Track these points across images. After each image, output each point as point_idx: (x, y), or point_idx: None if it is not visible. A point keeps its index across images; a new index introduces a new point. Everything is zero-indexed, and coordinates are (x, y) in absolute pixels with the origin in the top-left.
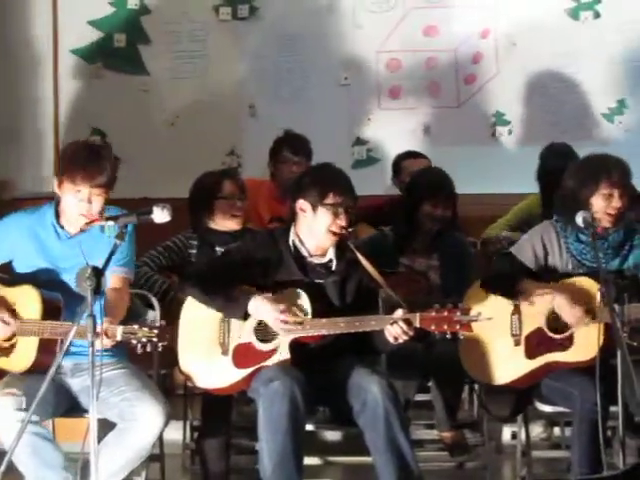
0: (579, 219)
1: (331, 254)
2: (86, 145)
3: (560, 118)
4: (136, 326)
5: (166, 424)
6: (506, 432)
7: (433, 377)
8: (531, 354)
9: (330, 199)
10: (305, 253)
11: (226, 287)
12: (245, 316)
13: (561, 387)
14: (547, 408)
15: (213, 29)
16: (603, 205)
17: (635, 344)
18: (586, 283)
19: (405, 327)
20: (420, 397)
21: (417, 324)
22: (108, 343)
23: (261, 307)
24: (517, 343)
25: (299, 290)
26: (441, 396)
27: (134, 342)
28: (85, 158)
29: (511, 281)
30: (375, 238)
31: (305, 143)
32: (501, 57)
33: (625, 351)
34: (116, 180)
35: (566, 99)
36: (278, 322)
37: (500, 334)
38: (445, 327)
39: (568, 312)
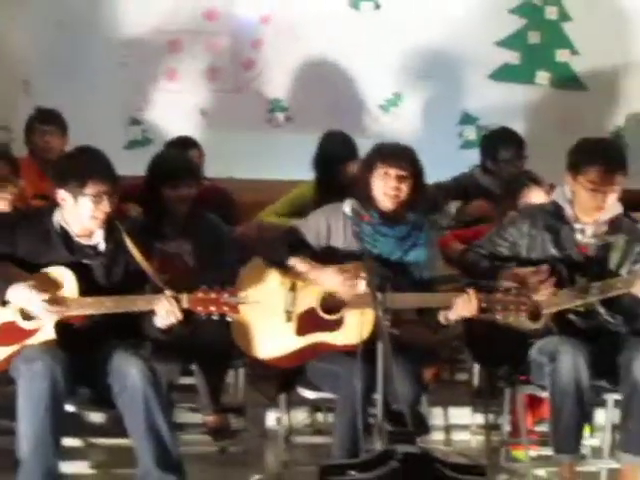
0: (347, 207)
1: (99, 235)
2: None
3: (338, 107)
4: None
5: None
6: (270, 417)
7: (197, 360)
8: (301, 332)
9: (89, 188)
10: (72, 233)
11: None
12: (4, 302)
13: (328, 368)
14: (310, 394)
15: None
16: (381, 185)
17: (397, 332)
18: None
19: (173, 306)
20: (185, 380)
21: (185, 305)
22: None
23: (21, 294)
24: (289, 319)
25: (64, 269)
26: (205, 380)
27: None
28: None
29: (285, 256)
30: (131, 222)
31: (56, 115)
32: (281, 44)
33: (385, 338)
34: None
35: (344, 88)
36: (41, 306)
37: (274, 310)
38: (212, 308)
39: (337, 285)
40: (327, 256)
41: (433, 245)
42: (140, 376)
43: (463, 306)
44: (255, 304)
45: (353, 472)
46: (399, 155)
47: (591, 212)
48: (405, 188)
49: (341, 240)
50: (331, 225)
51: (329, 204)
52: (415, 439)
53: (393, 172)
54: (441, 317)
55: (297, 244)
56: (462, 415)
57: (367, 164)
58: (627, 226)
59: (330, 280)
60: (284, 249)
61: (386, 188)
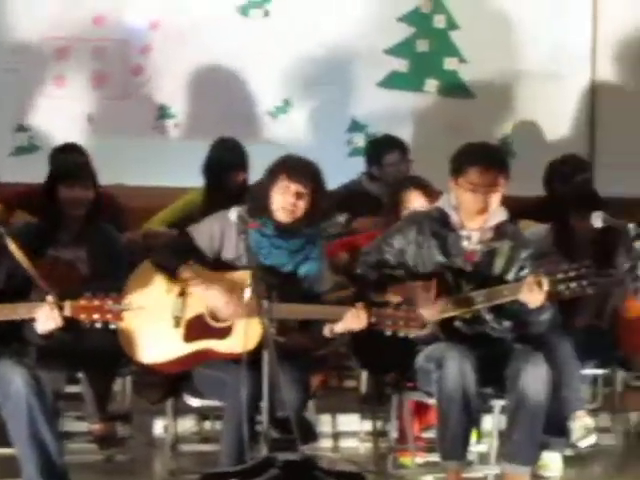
0: (233, 215)
1: None
2: None
3: (228, 114)
4: None
5: None
6: (157, 425)
7: (83, 368)
8: (189, 338)
9: None
10: None
11: None
12: None
13: (215, 375)
14: (196, 402)
15: None
16: (280, 199)
17: (283, 340)
18: (244, 277)
19: (54, 313)
20: (71, 388)
21: (67, 313)
22: None
23: None
24: (177, 325)
25: None
26: (91, 387)
27: None
28: None
29: (177, 263)
30: (19, 228)
31: None
32: (170, 50)
33: (271, 346)
34: None
35: (234, 95)
36: None
37: (162, 315)
38: (96, 316)
39: (220, 305)
40: (218, 263)
41: (325, 259)
42: (24, 384)
43: (352, 320)
44: (140, 310)
45: None
46: (302, 171)
47: (474, 215)
48: (302, 204)
49: (233, 247)
50: (224, 231)
51: (221, 211)
52: (298, 446)
53: (293, 188)
54: (327, 330)
55: (188, 249)
56: (350, 422)
57: (270, 174)
58: (512, 232)
59: (214, 300)
60: (175, 255)
61: (284, 202)
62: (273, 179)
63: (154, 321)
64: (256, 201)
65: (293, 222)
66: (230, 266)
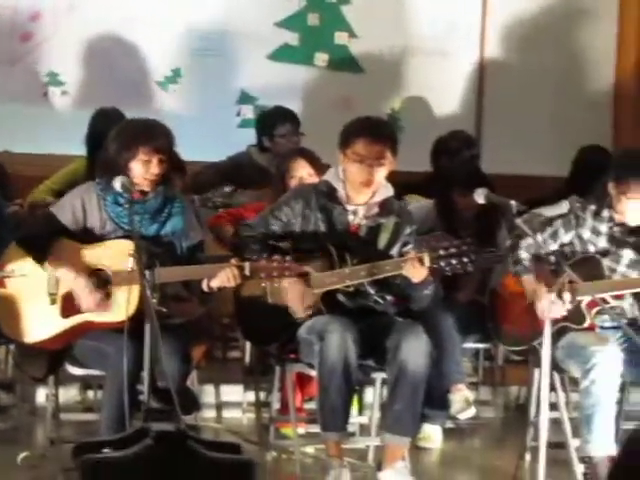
0: (117, 184)
1: None
2: None
3: (117, 83)
4: None
5: None
6: (40, 394)
7: None
8: (66, 313)
9: None
10: None
11: None
12: None
13: (96, 346)
14: (78, 371)
15: None
16: (142, 171)
17: (164, 310)
18: (122, 246)
19: None
20: None
21: None
22: None
23: None
24: (53, 302)
25: None
26: None
27: None
28: None
29: (45, 242)
30: None
31: None
32: (60, 17)
33: (153, 316)
34: None
35: (124, 65)
36: None
37: (37, 292)
38: None
39: (83, 297)
40: (86, 236)
41: (190, 212)
42: None
43: (226, 275)
44: (22, 277)
45: (107, 450)
46: (160, 138)
47: (361, 188)
48: (163, 169)
49: (97, 219)
50: (85, 204)
51: (83, 184)
52: (177, 417)
53: (155, 159)
54: (204, 285)
55: (54, 230)
56: (234, 393)
57: (130, 147)
58: (398, 208)
59: (78, 290)
60: (39, 241)
61: (147, 174)
62: (134, 150)
63: (30, 300)
64: (110, 171)
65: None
66: (99, 237)
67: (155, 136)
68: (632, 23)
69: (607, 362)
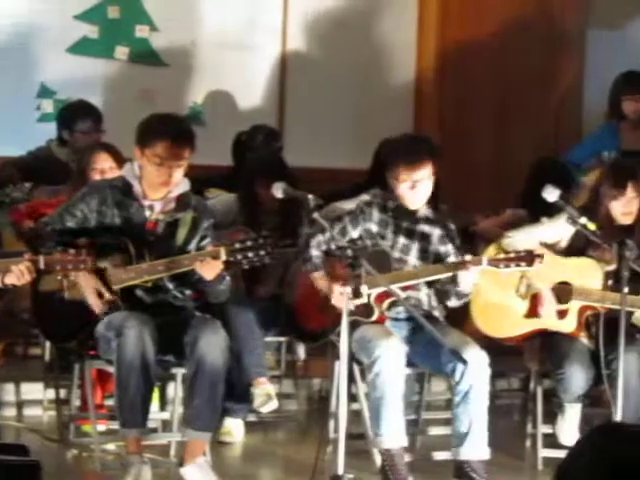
0: None
1: None
2: None
3: None
4: None
5: None
6: None
7: None
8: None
9: None
10: None
11: None
12: None
13: None
14: None
15: None
16: None
17: None
18: None
19: None
20: None
21: None
22: None
23: None
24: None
25: None
26: None
27: None
28: None
29: None
30: None
31: None
32: None
33: None
34: None
35: None
36: None
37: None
38: None
39: None
40: None
41: None
42: None
43: (19, 271)
44: None
45: None
46: None
47: (158, 187)
48: None
49: None
50: None
51: None
52: None
53: None
54: None
55: None
56: (34, 390)
57: None
58: (195, 203)
59: None
60: None
61: None
62: None
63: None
64: None
65: None
66: None
67: None
68: (430, 16)
69: (389, 355)
